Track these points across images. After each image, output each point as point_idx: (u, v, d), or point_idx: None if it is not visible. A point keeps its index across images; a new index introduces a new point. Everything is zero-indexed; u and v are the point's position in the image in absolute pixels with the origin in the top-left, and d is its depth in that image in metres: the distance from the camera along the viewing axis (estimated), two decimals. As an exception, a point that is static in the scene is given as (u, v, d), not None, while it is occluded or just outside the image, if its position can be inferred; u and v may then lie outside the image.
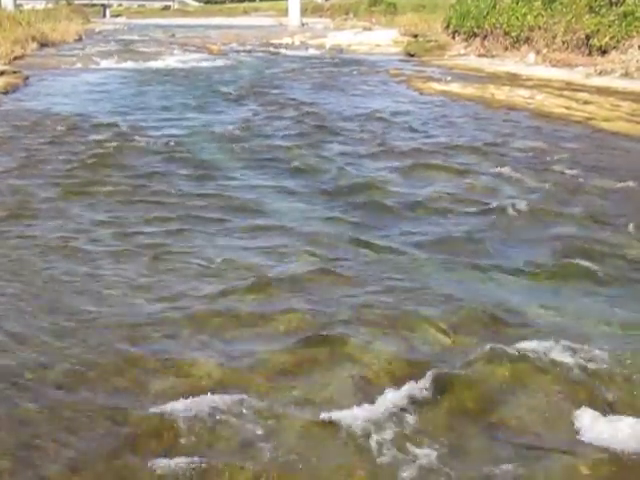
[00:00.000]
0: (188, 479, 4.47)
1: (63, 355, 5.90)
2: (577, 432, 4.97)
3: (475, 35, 37.80)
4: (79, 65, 32.43)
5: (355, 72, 30.63)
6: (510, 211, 9.93)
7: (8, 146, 14.38)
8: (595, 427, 4.96)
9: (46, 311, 6.71)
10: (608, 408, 5.22)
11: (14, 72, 26.71)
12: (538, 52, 32.12)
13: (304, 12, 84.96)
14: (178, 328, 6.42)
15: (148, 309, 6.81)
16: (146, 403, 5.27)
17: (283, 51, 44.05)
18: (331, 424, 4.99)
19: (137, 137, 15.39)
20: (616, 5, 28.05)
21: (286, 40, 51.99)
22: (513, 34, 33.98)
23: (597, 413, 5.10)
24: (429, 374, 5.47)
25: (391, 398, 5.21)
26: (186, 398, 5.24)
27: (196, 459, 4.63)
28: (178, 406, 5.16)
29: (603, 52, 28.52)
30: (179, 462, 4.60)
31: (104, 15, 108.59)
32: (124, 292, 7.20)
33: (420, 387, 5.33)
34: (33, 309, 6.76)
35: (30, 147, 14.23)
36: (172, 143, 14.85)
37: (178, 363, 5.81)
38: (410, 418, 5.04)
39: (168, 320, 6.57)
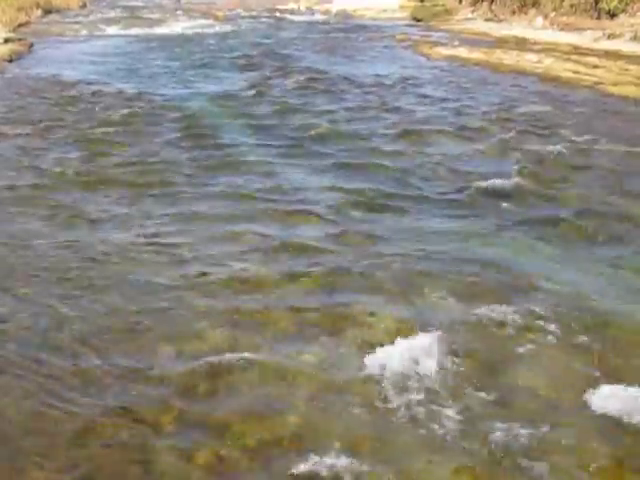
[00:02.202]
0: (203, 437, 4.53)
1: (75, 320, 5.95)
2: (584, 396, 5.00)
3: (482, -1, 37.44)
4: (84, 32, 32.22)
5: (361, 37, 30.38)
6: (518, 175, 9.92)
7: (13, 113, 14.35)
8: (602, 391, 5.02)
9: (57, 279, 6.75)
10: (615, 373, 5.26)
11: (19, 39, 26.58)
12: (546, 16, 31.83)
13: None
14: (187, 293, 6.46)
15: (157, 275, 6.84)
16: (157, 365, 5.33)
17: (289, 16, 43.65)
18: (338, 385, 5.05)
19: (143, 103, 15.37)
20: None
21: (291, 5, 51.45)
22: (521, -3, 33.67)
23: (604, 377, 5.15)
24: (437, 336, 5.51)
25: (398, 360, 5.25)
26: (196, 360, 5.31)
27: (209, 418, 4.70)
28: (189, 368, 5.22)
29: (612, 15, 28.26)
30: (193, 422, 4.68)
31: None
32: (134, 258, 7.24)
33: (429, 349, 5.37)
34: (44, 277, 6.80)
35: (35, 114, 14.21)
36: (179, 109, 14.82)
37: (187, 327, 5.85)
38: (419, 380, 5.08)
39: (177, 286, 6.61)
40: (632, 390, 5.00)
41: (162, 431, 4.63)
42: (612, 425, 4.71)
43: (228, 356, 5.36)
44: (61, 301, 6.28)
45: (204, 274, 6.84)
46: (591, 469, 4.31)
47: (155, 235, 7.87)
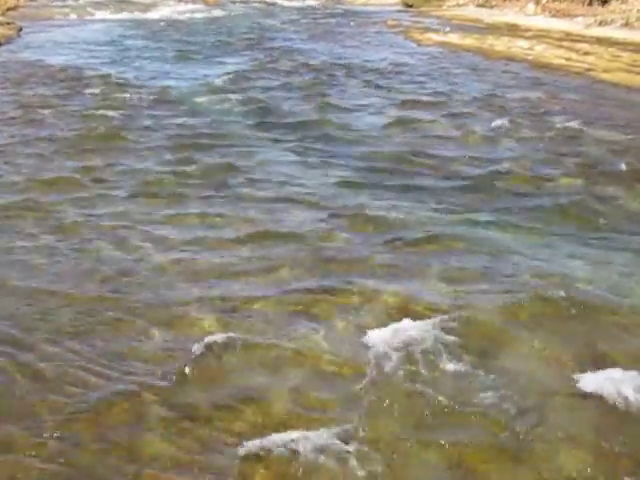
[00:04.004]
0: (195, 421, 4.52)
1: (67, 305, 5.92)
2: (573, 379, 5.01)
3: (474, -15, 37.39)
4: (73, 16, 32.09)
5: (352, 23, 30.34)
6: (509, 161, 9.91)
7: (2, 98, 14.24)
8: (589, 373, 5.04)
9: (48, 263, 6.70)
10: (604, 356, 5.27)
11: (7, 23, 26.42)
12: (538, 2, 31.83)
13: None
14: (178, 279, 6.43)
15: (148, 261, 6.82)
16: (149, 350, 5.31)
17: (279, 2, 43.53)
18: (329, 371, 5.05)
19: (132, 89, 15.25)
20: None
21: (282, -10, 51.33)
22: (513, -16, 33.64)
23: (592, 360, 5.17)
24: (428, 320, 5.51)
25: (389, 345, 5.25)
26: (187, 345, 5.30)
27: (201, 401, 4.69)
28: (179, 353, 5.22)
29: (604, 2, 28.27)
30: (187, 405, 4.67)
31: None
32: (124, 244, 7.20)
33: (420, 333, 5.36)
34: (35, 262, 6.76)
35: (24, 99, 14.09)
36: (169, 95, 14.74)
37: (177, 312, 5.83)
38: (410, 365, 5.07)
39: (167, 271, 6.58)
40: (620, 373, 5.00)
41: (151, 414, 4.60)
42: (600, 407, 4.72)
43: (218, 341, 5.33)
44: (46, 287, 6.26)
45: (192, 259, 6.81)
46: (579, 450, 4.31)
47: (143, 219, 7.83)
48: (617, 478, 4.15)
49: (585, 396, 4.83)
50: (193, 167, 9.75)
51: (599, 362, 5.16)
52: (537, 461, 4.25)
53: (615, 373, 4.99)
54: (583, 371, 5.06)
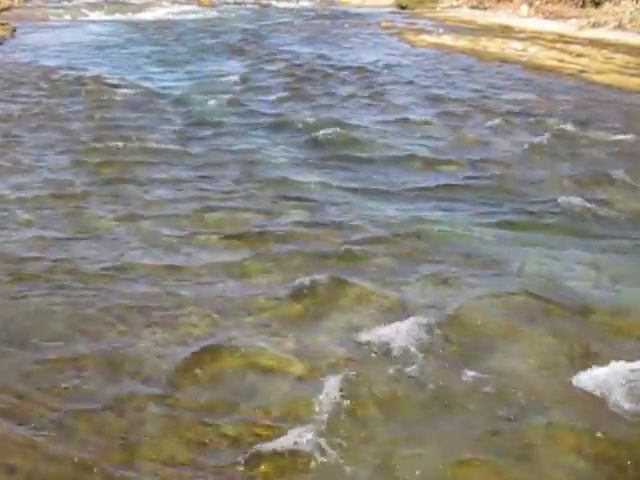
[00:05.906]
0: (185, 424, 4.53)
1: (64, 309, 5.92)
2: (565, 380, 5.03)
3: (468, -14, 37.45)
4: (67, 17, 32.05)
5: (346, 25, 30.35)
6: (502, 163, 9.94)
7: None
8: (582, 374, 5.06)
9: (42, 268, 6.70)
10: (596, 357, 5.30)
11: (1, 24, 26.36)
12: (531, 4, 31.91)
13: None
14: (171, 280, 6.44)
15: (140, 262, 6.83)
16: (142, 351, 5.31)
17: (273, 3, 43.52)
18: (324, 370, 5.06)
19: (127, 90, 15.25)
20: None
21: (276, -8, 51.29)
22: (506, -15, 33.72)
23: (584, 361, 5.20)
24: (420, 321, 5.53)
25: (381, 345, 5.27)
26: (179, 346, 5.31)
27: (196, 403, 4.71)
28: (173, 354, 5.23)
29: (597, 4, 28.37)
30: (177, 407, 4.67)
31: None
32: (119, 241, 7.22)
33: (412, 333, 5.38)
34: (25, 265, 6.76)
35: (16, 100, 14.06)
36: (163, 96, 14.74)
37: (170, 314, 5.84)
38: (402, 364, 5.09)
39: (160, 272, 6.59)
40: (612, 373, 5.02)
41: (144, 418, 4.62)
42: (592, 408, 4.74)
43: (211, 343, 5.35)
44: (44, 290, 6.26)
45: (187, 260, 6.82)
46: (571, 451, 4.33)
47: (136, 219, 7.84)
48: (613, 478, 4.18)
49: (579, 396, 4.86)
50: (188, 170, 9.77)
51: (592, 362, 5.18)
52: (532, 461, 4.27)
53: (608, 372, 5.02)
54: (576, 371, 5.07)
